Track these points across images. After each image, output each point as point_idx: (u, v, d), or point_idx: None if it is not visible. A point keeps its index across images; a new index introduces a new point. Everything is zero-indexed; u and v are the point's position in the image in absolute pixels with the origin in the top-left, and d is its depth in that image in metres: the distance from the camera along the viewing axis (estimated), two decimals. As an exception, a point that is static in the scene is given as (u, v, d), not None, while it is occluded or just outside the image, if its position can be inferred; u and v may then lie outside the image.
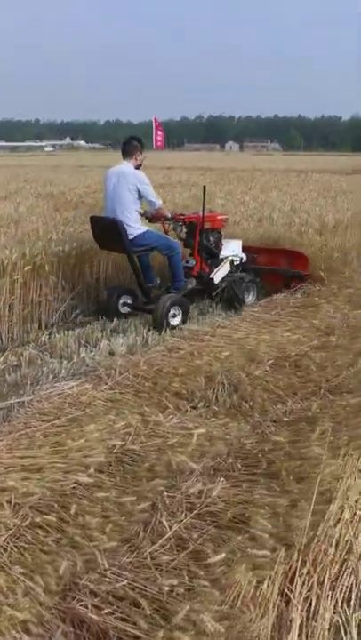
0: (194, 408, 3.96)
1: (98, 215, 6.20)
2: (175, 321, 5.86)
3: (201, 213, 6.37)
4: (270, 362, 4.51)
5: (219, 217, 6.88)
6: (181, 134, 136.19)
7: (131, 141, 6.09)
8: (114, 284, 6.78)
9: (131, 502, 2.66)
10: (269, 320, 5.79)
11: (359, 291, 6.84)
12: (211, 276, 6.51)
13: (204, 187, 6.44)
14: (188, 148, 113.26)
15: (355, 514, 2.48)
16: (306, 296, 6.66)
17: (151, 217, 6.30)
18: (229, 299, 6.53)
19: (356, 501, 2.45)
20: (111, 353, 5.19)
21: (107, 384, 4.18)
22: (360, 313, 5.97)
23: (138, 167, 6.01)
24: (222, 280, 6.58)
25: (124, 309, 6.27)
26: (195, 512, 2.45)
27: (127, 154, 6.01)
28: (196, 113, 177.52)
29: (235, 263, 6.73)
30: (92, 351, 5.25)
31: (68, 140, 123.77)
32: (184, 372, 4.36)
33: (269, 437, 3.09)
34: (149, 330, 5.85)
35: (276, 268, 7.11)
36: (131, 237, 5.73)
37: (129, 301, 6.33)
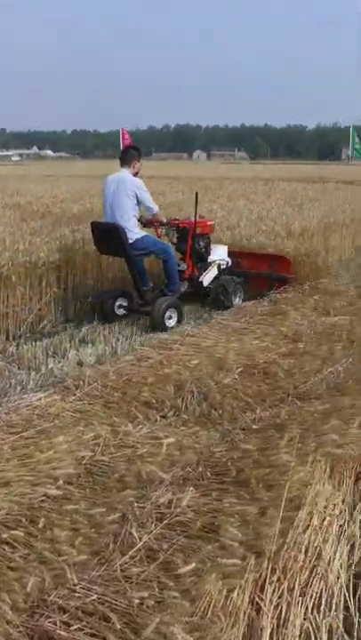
0: (163, 417, 3.95)
1: (98, 221, 6.45)
2: (171, 322, 6.11)
3: (193, 219, 6.72)
4: (239, 370, 4.52)
5: (208, 222, 7.18)
6: (149, 143, 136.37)
7: (129, 150, 6.47)
8: (103, 288, 7.04)
9: (100, 514, 2.63)
10: (238, 328, 5.81)
11: (325, 297, 6.94)
12: (200, 280, 6.82)
13: (197, 193, 6.79)
14: (156, 157, 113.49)
15: (324, 519, 2.49)
16: (273, 304, 6.71)
17: (146, 222, 6.55)
18: (218, 301, 6.85)
19: (325, 507, 2.47)
20: (80, 363, 5.16)
21: (75, 395, 4.14)
22: (326, 320, 6.05)
23: (135, 174, 6.31)
24: (211, 283, 6.90)
25: (120, 311, 6.49)
26: (165, 522, 2.44)
27: (125, 162, 6.29)
28: (163, 122, 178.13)
29: (221, 267, 7.02)
30: (60, 362, 5.20)
31: (35, 150, 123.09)
32: (153, 382, 4.35)
33: (239, 445, 3.09)
34: (118, 339, 5.85)
35: (262, 272, 7.44)
36: (130, 241, 6.00)
37: (124, 304, 6.51)
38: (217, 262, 6.97)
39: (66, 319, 6.74)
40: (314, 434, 3.03)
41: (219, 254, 7.06)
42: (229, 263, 7.16)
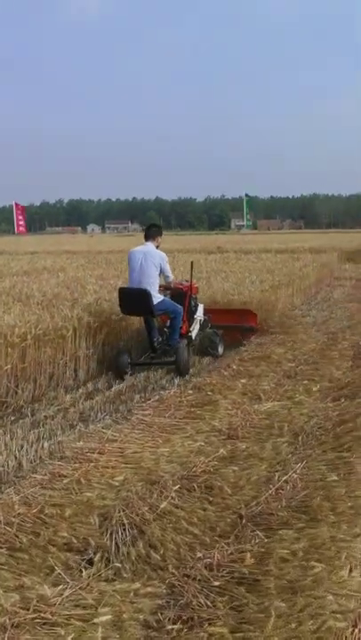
0: (90, 563, 3.06)
1: (124, 287, 7.49)
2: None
3: (188, 284, 7.93)
4: (176, 487, 3.72)
5: (195, 285, 8.26)
6: (42, 218, 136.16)
7: (153, 227, 7.74)
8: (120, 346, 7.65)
9: None
10: (164, 425, 5.04)
11: (252, 380, 6.37)
12: (190, 334, 7.73)
13: (192, 262, 8.54)
14: (50, 231, 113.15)
15: None
16: (198, 391, 6.03)
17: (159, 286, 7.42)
18: (206, 351, 7.95)
19: None
20: (-25, 486, 4.15)
21: (-29, 542, 3.17)
22: (260, 407, 5.43)
23: (157, 247, 7.41)
24: (196, 336, 7.88)
25: (128, 367, 7.14)
26: None
27: (150, 237, 7.46)
28: (56, 197, 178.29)
29: (200, 322, 8.02)
30: None
31: None
32: (72, 513, 3.46)
33: (202, 624, 2.25)
34: (22, 447, 4.88)
35: (234, 325, 8.51)
36: (154, 303, 7.02)
37: (128, 360, 7.20)
38: (198, 318, 7.96)
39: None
40: (300, 593, 2.27)
41: (200, 312, 8.07)
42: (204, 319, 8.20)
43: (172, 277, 7.55)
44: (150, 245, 7.37)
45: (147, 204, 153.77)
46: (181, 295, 7.73)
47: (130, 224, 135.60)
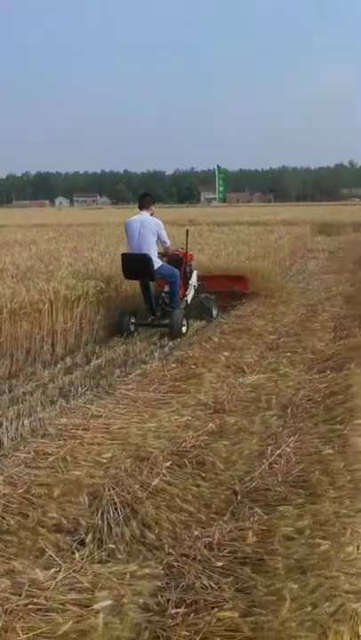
0: (82, 544, 2.94)
1: (127, 252, 7.72)
2: (184, 329, 7.48)
3: (185, 251, 8.40)
4: (167, 463, 3.60)
5: (190, 253, 8.72)
6: (9, 191, 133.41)
7: (146, 197, 7.94)
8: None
9: None
10: (149, 400, 4.91)
11: (235, 353, 6.27)
12: (185, 298, 8.17)
13: (187, 230, 8.92)
14: (17, 204, 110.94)
15: None
16: (181, 364, 5.90)
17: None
18: (202, 313, 8.36)
19: None
20: None
21: None
22: (245, 380, 5.34)
23: (151, 215, 7.71)
24: (192, 301, 8.31)
25: (132, 327, 7.60)
26: None
27: (144, 206, 7.77)
28: (22, 170, 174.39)
29: (195, 288, 8.47)
30: None
31: None
32: (60, 493, 3.32)
33: (209, 608, 2.15)
34: (1, 424, 4.72)
35: (227, 290, 9.10)
36: (154, 268, 7.39)
37: (133, 320, 7.66)
38: (194, 284, 8.40)
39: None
40: (310, 573, 2.18)
41: (194, 278, 8.46)
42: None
43: (168, 243, 7.90)
44: (146, 214, 7.65)
45: (115, 177, 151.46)
46: (178, 261, 8.12)
47: (98, 197, 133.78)
